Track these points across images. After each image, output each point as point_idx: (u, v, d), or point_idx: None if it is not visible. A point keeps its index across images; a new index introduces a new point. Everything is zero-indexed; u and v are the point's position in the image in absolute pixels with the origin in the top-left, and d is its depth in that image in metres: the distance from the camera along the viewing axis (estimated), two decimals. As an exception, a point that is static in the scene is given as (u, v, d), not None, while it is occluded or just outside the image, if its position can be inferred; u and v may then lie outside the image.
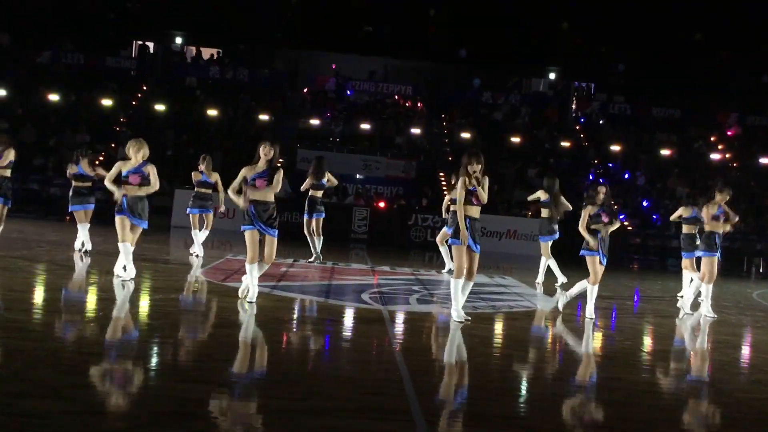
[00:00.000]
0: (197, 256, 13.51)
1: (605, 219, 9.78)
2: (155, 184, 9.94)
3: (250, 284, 8.99)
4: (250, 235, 8.83)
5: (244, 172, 8.92)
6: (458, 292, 8.63)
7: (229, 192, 9.06)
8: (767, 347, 9.78)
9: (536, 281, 13.65)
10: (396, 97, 31.23)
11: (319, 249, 14.16)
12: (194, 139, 25.87)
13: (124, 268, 9.96)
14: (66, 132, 25.20)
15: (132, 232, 9.90)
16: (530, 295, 12.40)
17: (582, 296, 10.17)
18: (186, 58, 31.93)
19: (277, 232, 8.95)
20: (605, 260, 9.84)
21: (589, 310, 9.94)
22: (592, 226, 9.77)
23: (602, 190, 9.93)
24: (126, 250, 9.86)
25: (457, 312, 8.68)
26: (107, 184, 9.89)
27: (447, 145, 28.59)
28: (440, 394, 5.94)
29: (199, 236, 13.73)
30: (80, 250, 12.55)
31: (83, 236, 12.56)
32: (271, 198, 8.91)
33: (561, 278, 13.43)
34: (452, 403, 5.75)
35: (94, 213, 12.89)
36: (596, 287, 9.88)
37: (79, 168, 12.78)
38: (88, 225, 12.68)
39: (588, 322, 9.72)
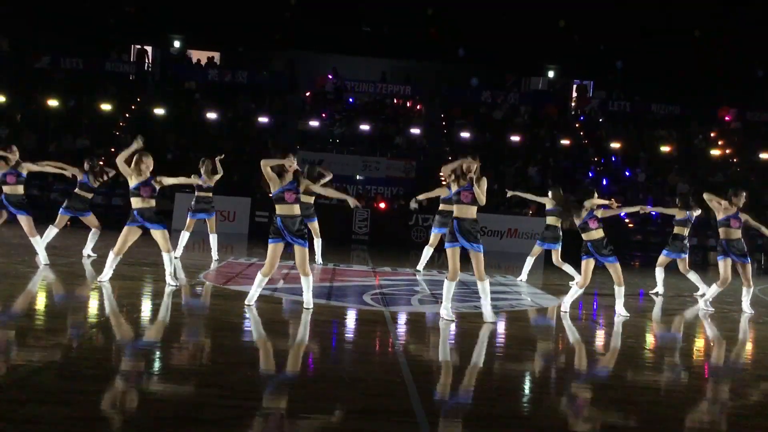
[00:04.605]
0: (216, 260, 13.63)
1: (593, 225, 9.99)
2: (176, 179, 10.45)
3: (252, 289, 9.01)
4: (273, 248, 8.80)
5: (273, 178, 8.75)
6: (449, 292, 8.89)
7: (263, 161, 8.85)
8: (770, 343, 9.79)
9: (520, 279, 14.00)
10: (395, 100, 31.24)
11: (318, 251, 14.24)
12: (194, 143, 25.89)
13: (174, 274, 10.28)
14: (66, 137, 25.22)
15: (160, 239, 10.11)
16: (532, 294, 12.40)
17: (585, 295, 10.21)
18: (184, 61, 31.95)
19: (306, 243, 8.90)
20: (614, 260, 10.01)
21: (566, 304, 10.32)
22: (582, 234, 10.00)
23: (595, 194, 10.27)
24: (112, 260, 10.07)
25: (446, 310, 8.88)
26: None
27: (447, 144, 28.61)
28: (443, 395, 5.95)
29: (211, 240, 14.02)
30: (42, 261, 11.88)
31: (44, 242, 12.13)
32: (298, 211, 8.85)
33: (523, 276, 13.90)
34: (455, 403, 5.75)
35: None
36: (581, 290, 10.26)
37: (85, 177, 12.88)
38: (98, 231, 12.89)
39: (589, 319, 9.73)
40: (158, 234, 10.08)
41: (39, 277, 10.49)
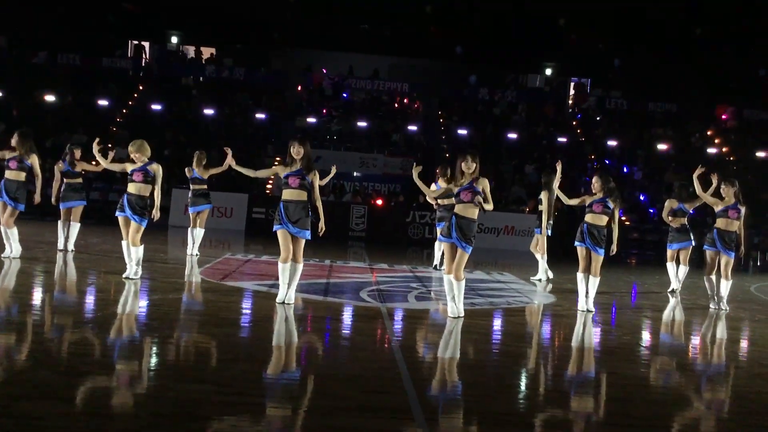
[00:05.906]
0: (195, 255, 13.50)
1: (596, 209, 9.95)
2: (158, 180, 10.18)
3: (280, 284, 8.96)
4: (281, 235, 8.75)
5: (277, 169, 9.10)
6: (449, 288, 8.76)
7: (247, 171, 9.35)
8: (766, 341, 9.79)
9: (541, 279, 13.66)
10: (394, 97, 31.23)
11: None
12: (192, 139, 25.86)
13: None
14: (63, 133, 25.16)
15: (133, 230, 10.00)
16: (528, 291, 12.40)
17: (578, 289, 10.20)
18: (182, 57, 31.89)
19: (308, 233, 8.80)
20: (600, 251, 9.95)
21: (582, 302, 10.16)
22: (587, 216, 9.97)
23: (597, 180, 10.16)
24: (125, 247, 10.08)
25: (451, 307, 8.81)
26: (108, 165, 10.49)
27: (444, 141, 28.61)
28: (440, 391, 5.95)
29: (197, 234, 13.70)
30: (62, 250, 12.56)
31: (64, 234, 12.63)
32: (304, 197, 8.76)
33: (542, 275, 13.60)
34: (452, 400, 5.75)
35: (86, 211, 12.95)
36: (587, 277, 10.04)
37: (66, 166, 12.86)
38: (78, 224, 12.76)
39: (585, 316, 9.73)
40: (134, 226, 10.00)
41: (35, 272, 10.47)
